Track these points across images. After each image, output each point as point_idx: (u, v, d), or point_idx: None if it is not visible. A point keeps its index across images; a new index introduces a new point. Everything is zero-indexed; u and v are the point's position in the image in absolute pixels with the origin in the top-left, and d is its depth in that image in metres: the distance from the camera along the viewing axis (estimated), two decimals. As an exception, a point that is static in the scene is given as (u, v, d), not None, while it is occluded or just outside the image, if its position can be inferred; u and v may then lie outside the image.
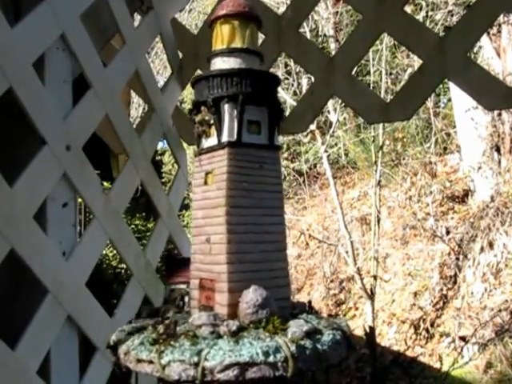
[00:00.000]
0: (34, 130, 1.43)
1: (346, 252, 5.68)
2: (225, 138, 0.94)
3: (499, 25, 6.37)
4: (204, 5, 9.30)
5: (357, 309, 6.51)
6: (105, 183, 3.14)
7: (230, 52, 0.98)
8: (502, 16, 5.67)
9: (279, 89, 1.09)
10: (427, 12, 6.96)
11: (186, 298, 1.06)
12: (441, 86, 2.57)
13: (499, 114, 6.33)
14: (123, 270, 4.45)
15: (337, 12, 7.92)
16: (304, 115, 2.27)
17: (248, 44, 0.99)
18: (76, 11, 1.62)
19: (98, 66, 1.73)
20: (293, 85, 7.14)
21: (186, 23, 8.28)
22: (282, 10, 6.31)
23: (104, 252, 4.33)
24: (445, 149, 7.76)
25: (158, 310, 1.05)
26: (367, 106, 2.19)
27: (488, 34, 6.36)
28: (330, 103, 6.24)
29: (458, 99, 6.57)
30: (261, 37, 2.22)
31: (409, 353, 5.41)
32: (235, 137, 0.94)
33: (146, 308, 1.04)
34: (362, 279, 5.40)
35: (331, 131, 6.11)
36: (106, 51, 2.19)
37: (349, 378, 5.27)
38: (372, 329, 5.17)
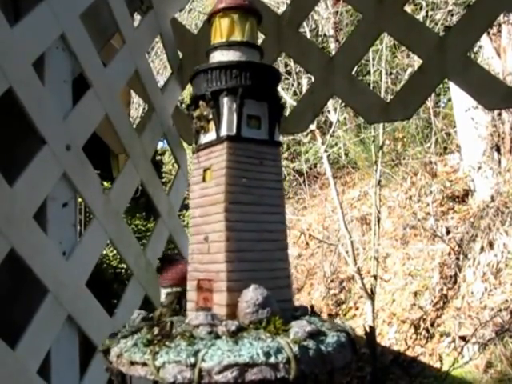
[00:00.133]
0: (33, 129, 1.43)
1: (347, 252, 5.69)
2: (224, 132, 0.91)
3: (499, 24, 6.37)
4: (204, 5, 9.30)
5: (357, 308, 6.51)
6: (105, 183, 3.15)
7: (229, 45, 0.95)
8: (502, 16, 5.67)
9: (279, 88, 1.07)
10: (427, 12, 6.96)
11: (183, 302, 1.01)
12: (441, 85, 2.57)
13: (499, 114, 6.33)
14: (123, 270, 4.45)
15: (337, 12, 7.93)
16: (304, 115, 2.27)
17: (248, 37, 0.96)
18: (76, 11, 1.62)
19: (97, 65, 1.73)
20: (293, 85, 7.14)
21: (186, 23, 8.28)
22: (282, 9, 6.31)
23: (104, 252, 4.33)
24: (445, 148, 7.76)
25: (153, 314, 1.01)
26: (367, 105, 2.19)
27: (488, 33, 6.36)
28: (330, 103, 6.25)
29: (458, 99, 6.58)
30: (261, 37, 2.21)
31: (409, 352, 5.41)
32: (234, 131, 0.91)
33: (140, 312, 0.99)
34: (362, 279, 5.41)
35: (331, 131, 6.11)
36: (106, 51, 2.19)
37: (349, 377, 5.26)
38: (372, 328, 5.17)
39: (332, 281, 7.02)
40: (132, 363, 0.78)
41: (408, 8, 5.92)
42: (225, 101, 0.91)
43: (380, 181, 5.84)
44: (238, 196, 0.89)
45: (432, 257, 6.19)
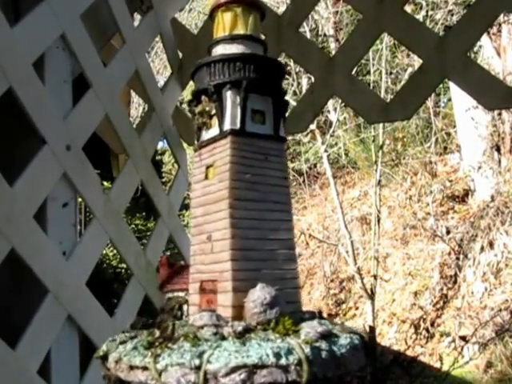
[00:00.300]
0: (34, 129, 1.43)
1: (347, 252, 5.69)
2: (227, 126, 0.87)
3: (499, 24, 6.37)
4: (204, 4, 9.30)
5: (357, 308, 6.51)
6: (105, 183, 3.15)
7: (232, 39, 0.92)
8: (502, 15, 5.67)
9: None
10: (427, 11, 6.96)
11: (185, 307, 0.96)
12: (441, 85, 2.56)
13: (499, 114, 6.33)
14: (123, 270, 4.46)
15: (337, 11, 7.93)
16: (304, 115, 2.27)
17: (251, 31, 0.93)
18: (76, 11, 1.62)
19: (98, 65, 1.73)
20: (293, 85, 7.14)
21: (186, 23, 8.28)
22: (281, 9, 6.31)
23: (104, 251, 4.33)
24: (445, 148, 7.76)
25: (153, 320, 0.93)
26: (367, 105, 2.19)
27: (488, 33, 6.36)
28: (330, 103, 6.25)
29: (458, 99, 6.58)
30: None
31: (409, 352, 5.41)
32: (238, 125, 0.87)
33: (140, 319, 0.93)
34: (362, 279, 5.41)
35: (331, 131, 6.11)
36: (106, 51, 2.19)
37: (349, 377, 5.27)
38: (372, 328, 5.18)
39: (332, 280, 7.03)
40: (131, 368, 0.73)
41: (408, 8, 5.93)
42: (228, 94, 0.88)
43: (380, 181, 5.84)
44: (243, 192, 0.85)
45: (432, 257, 6.20)
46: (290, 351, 0.68)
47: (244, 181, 0.86)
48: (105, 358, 0.81)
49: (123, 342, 0.80)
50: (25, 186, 1.37)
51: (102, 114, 1.73)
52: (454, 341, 5.17)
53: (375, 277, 5.51)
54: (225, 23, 0.94)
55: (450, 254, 6.03)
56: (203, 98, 0.91)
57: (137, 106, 8.22)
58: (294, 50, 2.30)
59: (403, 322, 5.72)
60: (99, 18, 1.95)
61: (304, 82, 7.32)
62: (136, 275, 1.87)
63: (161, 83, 2.96)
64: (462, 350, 4.99)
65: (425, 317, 5.62)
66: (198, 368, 0.67)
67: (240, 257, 0.83)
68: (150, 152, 2.06)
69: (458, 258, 5.90)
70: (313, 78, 2.37)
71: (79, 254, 1.58)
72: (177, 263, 1.12)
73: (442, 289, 5.79)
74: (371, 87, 5.76)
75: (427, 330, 5.51)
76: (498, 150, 6.47)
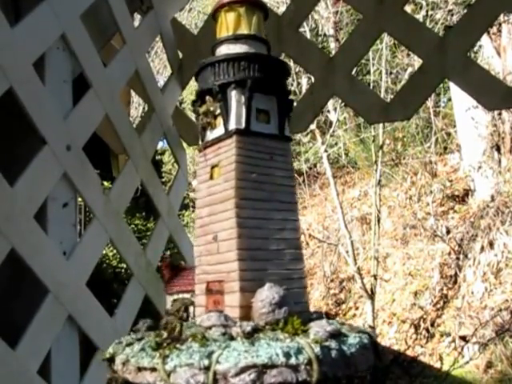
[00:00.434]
0: (34, 129, 1.43)
1: (346, 251, 5.69)
2: (232, 126, 0.87)
3: (499, 24, 6.37)
4: (204, 4, 9.30)
5: (357, 308, 6.51)
6: (105, 183, 3.15)
7: (235, 39, 0.93)
8: (502, 15, 5.67)
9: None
10: (427, 11, 6.96)
11: (191, 309, 0.96)
12: (441, 85, 2.56)
13: (499, 114, 6.33)
14: (123, 270, 4.46)
15: (337, 11, 7.93)
16: (304, 115, 2.27)
17: (255, 31, 0.94)
18: (76, 11, 1.62)
19: (98, 65, 1.73)
20: (292, 84, 7.14)
21: (186, 23, 8.28)
22: (281, 9, 6.31)
23: (104, 251, 4.33)
24: (445, 148, 7.76)
25: (158, 322, 0.93)
26: (367, 105, 2.19)
27: (488, 33, 6.36)
28: (330, 102, 6.25)
29: (458, 98, 6.57)
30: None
31: (409, 352, 5.41)
32: (243, 124, 0.87)
33: (145, 321, 0.92)
34: (362, 279, 5.41)
35: (331, 131, 6.11)
36: (106, 51, 2.19)
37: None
38: (372, 328, 5.17)
39: (332, 280, 7.03)
40: (139, 369, 0.72)
41: (408, 7, 5.92)
42: (233, 94, 0.88)
43: (380, 180, 5.84)
44: (249, 192, 0.85)
45: (432, 256, 6.19)
46: (299, 351, 0.68)
47: (250, 180, 0.85)
48: (111, 360, 0.80)
49: (130, 344, 0.79)
50: (25, 186, 1.37)
51: (102, 114, 1.73)
52: (454, 341, 5.17)
53: (375, 277, 5.52)
54: (228, 23, 0.95)
55: (450, 253, 6.03)
56: (207, 97, 0.91)
57: (137, 106, 8.22)
58: (294, 49, 2.29)
59: (403, 321, 5.72)
60: (99, 18, 1.95)
61: (304, 81, 7.32)
62: (136, 275, 1.87)
63: (161, 83, 2.96)
64: (462, 349, 4.99)
65: (425, 317, 5.62)
66: (207, 368, 0.66)
67: (247, 256, 0.82)
68: (150, 152, 2.06)
69: (458, 258, 5.90)
70: (313, 78, 2.37)
71: (79, 254, 1.58)
72: (180, 265, 1.12)
73: (442, 289, 5.79)
74: (371, 87, 5.76)
75: (427, 330, 5.51)
76: (498, 149, 6.47)
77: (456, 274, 5.81)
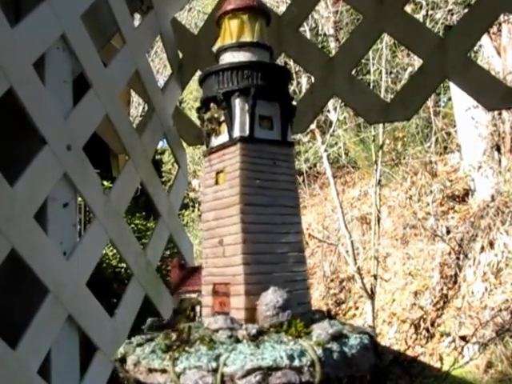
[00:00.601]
0: (34, 129, 1.43)
1: (346, 251, 5.69)
2: (236, 134, 0.90)
3: (499, 24, 6.36)
4: (204, 4, 9.30)
5: (357, 308, 6.51)
6: (105, 183, 3.14)
7: (239, 46, 0.95)
8: (502, 15, 5.66)
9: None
10: (427, 11, 6.96)
11: (198, 308, 0.99)
12: (441, 84, 2.56)
13: (499, 113, 6.32)
14: (123, 270, 4.45)
15: (337, 11, 7.92)
16: (304, 115, 2.27)
17: (258, 38, 0.96)
18: (76, 11, 1.62)
19: (98, 65, 1.73)
20: (292, 84, 7.13)
21: (186, 22, 8.28)
22: (281, 9, 6.31)
23: (104, 251, 4.33)
24: (445, 148, 7.75)
25: (167, 321, 0.98)
26: (367, 106, 2.19)
27: (488, 32, 6.35)
28: (330, 102, 6.24)
29: (459, 98, 6.57)
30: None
31: (409, 352, 5.41)
32: (247, 132, 0.90)
33: (154, 320, 0.96)
34: (362, 279, 5.41)
35: (331, 130, 6.10)
36: (107, 51, 2.19)
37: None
38: (372, 328, 5.17)
39: (332, 280, 7.02)
40: (150, 370, 0.76)
41: (408, 7, 5.92)
42: (237, 102, 0.91)
43: (380, 180, 5.84)
44: (253, 197, 0.88)
45: (432, 256, 6.19)
46: (302, 353, 0.71)
47: (254, 186, 0.88)
48: (123, 360, 0.83)
49: (140, 345, 0.83)
50: (25, 186, 1.37)
51: (103, 114, 1.73)
52: (454, 341, 5.17)
53: (375, 277, 5.51)
54: (232, 30, 0.97)
55: (450, 253, 6.03)
56: (212, 105, 0.93)
57: (137, 106, 8.22)
58: (294, 49, 2.29)
59: (403, 321, 5.72)
60: (99, 18, 1.95)
61: (304, 81, 7.32)
62: (136, 275, 1.87)
63: (161, 83, 2.96)
64: (462, 349, 4.99)
65: (425, 317, 5.62)
66: (215, 371, 0.70)
67: (251, 261, 0.85)
68: (150, 152, 2.06)
69: (458, 258, 5.90)
70: (313, 78, 2.37)
71: (79, 254, 1.58)
72: (188, 265, 1.14)
73: (442, 289, 5.79)
74: (371, 87, 5.76)
75: (427, 330, 5.51)
76: (498, 149, 6.47)
77: (456, 274, 5.81)
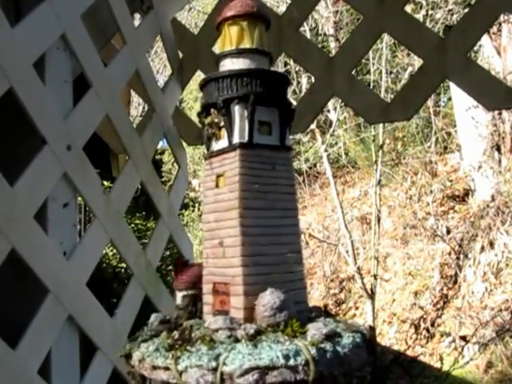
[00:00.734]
0: (34, 129, 1.43)
1: (346, 251, 5.68)
2: (236, 140, 0.93)
3: (499, 23, 6.36)
4: (204, 3, 9.29)
5: (357, 308, 6.51)
6: (105, 182, 3.14)
7: (239, 53, 0.97)
8: (502, 15, 5.66)
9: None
10: (427, 11, 6.96)
11: (199, 305, 1.03)
12: (441, 84, 2.56)
13: (499, 113, 6.32)
14: (123, 270, 4.45)
15: (337, 11, 7.92)
16: (304, 115, 2.27)
17: (257, 44, 0.98)
18: (76, 11, 1.62)
19: (98, 65, 1.73)
20: (292, 84, 7.14)
21: (186, 22, 8.27)
22: (281, 9, 6.31)
23: (104, 251, 4.32)
24: (445, 148, 7.75)
25: (170, 317, 1.03)
26: (367, 106, 2.19)
27: (488, 32, 6.35)
28: (330, 102, 6.23)
29: (459, 98, 6.57)
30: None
31: (409, 352, 5.41)
32: (246, 138, 0.93)
33: (158, 315, 1.01)
34: (362, 278, 5.41)
35: (331, 130, 6.11)
36: (107, 51, 2.19)
37: (349, 377, 5.27)
38: (372, 328, 5.17)
39: (332, 280, 7.03)
40: (154, 367, 0.80)
41: (408, 7, 5.91)
42: (236, 108, 0.93)
43: (380, 180, 5.83)
44: (252, 202, 0.91)
45: (432, 256, 6.20)
46: (297, 353, 0.76)
47: (253, 191, 0.91)
48: (128, 355, 0.89)
49: (145, 341, 0.89)
50: (25, 186, 1.37)
51: (103, 114, 1.73)
52: (454, 341, 5.17)
53: (375, 277, 5.51)
54: (231, 37, 0.99)
55: (450, 253, 6.03)
56: (212, 110, 0.96)
57: (137, 106, 8.22)
58: (294, 49, 2.29)
59: (403, 321, 5.72)
60: (99, 18, 1.95)
61: (304, 81, 7.32)
62: (136, 275, 1.87)
63: (161, 83, 2.96)
64: (462, 350, 4.99)
65: (425, 317, 5.62)
66: (214, 369, 0.74)
67: (250, 262, 0.89)
68: (150, 152, 2.06)
69: (458, 258, 5.90)
70: (313, 78, 2.37)
71: (80, 254, 1.58)
72: (191, 262, 1.17)
73: (442, 289, 5.79)
74: (371, 87, 5.76)
75: (427, 330, 5.51)
76: (499, 149, 6.47)
77: (456, 274, 5.82)
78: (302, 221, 7.75)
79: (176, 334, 0.86)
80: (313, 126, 5.57)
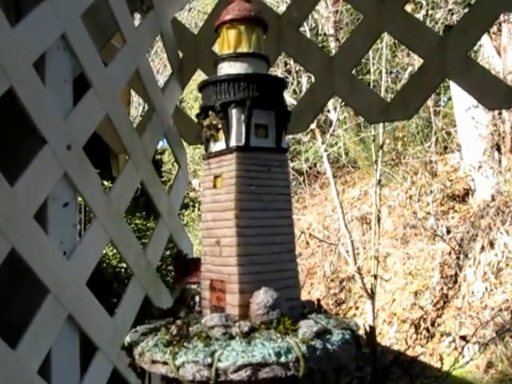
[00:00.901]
0: (34, 129, 1.43)
1: (347, 251, 5.68)
2: (233, 143, 0.95)
3: (499, 23, 6.36)
4: (204, 3, 9.29)
5: (357, 308, 6.51)
6: (105, 182, 3.14)
7: (236, 57, 0.99)
8: (502, 15, 5.66)
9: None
10: (427, 11, 6.95)
11: (197, 298, 1.08)
12: (441, 84, 2.55)
13: (500, 113, 6.32)
14: (123, 270, 4.45)
15: (337, 11, 7.92)
16: (304, 115, 2.27)
17: (254, 48, 1.00)
18: (77, 11, 1.62)
19: (98, 65, 1.73)
20: (292, 83, 7.13)
21: (186, 22, 8.27)
22: (281, 9, 6.30)
23: (104, 251, 4.32)
24: (445, 148, 7.75)
25: (169, 310, 1.07)
26: (368, 105, 2.19)
27: (488, 32, 6.35)
28: (330, 102, 6.24)
29: (459, 98, 6.57)
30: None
31: (409, 352, 5.41)
32: (243, 141, 0.95)
33: (158, 309, 1.06)
34: (362, 278, 5.40)
35: (331, 130, 6.10)
36: (107, 50, 2.19)
37: (349, 377, 5.27)
38: (372, 328, 5.17)
39: (332, 280, 7.02)
40: (153, 362, 0.85)
41: (408, 7, 5.91)
42: (233, 112, 0.95)
43: (380, 180, 5.83)
44: (248, 203, 0.94)
45: (432, 256, 6.19)
46: (289, 350, 0.80)
47: (249, 192, 0.95)
48: (130, 348, 0.94)
49: (145, 334, 0.94)
50: (25, 186, 1.37)
51: (103, 114, 1.73)
52: (454, 341, 5.17)
53: (375, 276, 5.51)
54: (229, 40, 1.01)
55: (450, 253, 6.02)
56: (210, 113, 0.99)
57: (137, 106, 8.22)
58: (294, 49, 2.29)
59: (403, 321, 5.72)
60: (100, 18, 1.95)
61: (304, 80, 7.32)
62: (136, 275, 1.87)
63: (161, 83, 2.95)
64: (462, 349, 4.98)
65: (425, 317, 5.61)
66: (210, 365, 0.79)
67: (245, 262, 0.92)
68: (150, 152, 2.06)
69: (458, 258, 5.90)
70: (313, 78, 2.37)
71: (80, 254, 1.58)
72: (191, 258, 1.21)
73: (442, 288, 5.79)
74: (371, 86, 5.75)
75: (427, 330, 5.51)
76: (499, 149, 6.46)
77: (456, 274, 5.81)
78: (302, 221, 7.77)
79: (174, 329, 0.89)
80: (313, 126, 5.57)
